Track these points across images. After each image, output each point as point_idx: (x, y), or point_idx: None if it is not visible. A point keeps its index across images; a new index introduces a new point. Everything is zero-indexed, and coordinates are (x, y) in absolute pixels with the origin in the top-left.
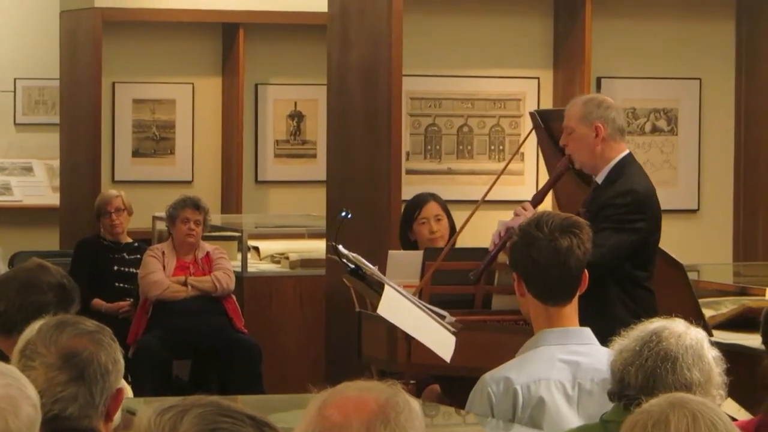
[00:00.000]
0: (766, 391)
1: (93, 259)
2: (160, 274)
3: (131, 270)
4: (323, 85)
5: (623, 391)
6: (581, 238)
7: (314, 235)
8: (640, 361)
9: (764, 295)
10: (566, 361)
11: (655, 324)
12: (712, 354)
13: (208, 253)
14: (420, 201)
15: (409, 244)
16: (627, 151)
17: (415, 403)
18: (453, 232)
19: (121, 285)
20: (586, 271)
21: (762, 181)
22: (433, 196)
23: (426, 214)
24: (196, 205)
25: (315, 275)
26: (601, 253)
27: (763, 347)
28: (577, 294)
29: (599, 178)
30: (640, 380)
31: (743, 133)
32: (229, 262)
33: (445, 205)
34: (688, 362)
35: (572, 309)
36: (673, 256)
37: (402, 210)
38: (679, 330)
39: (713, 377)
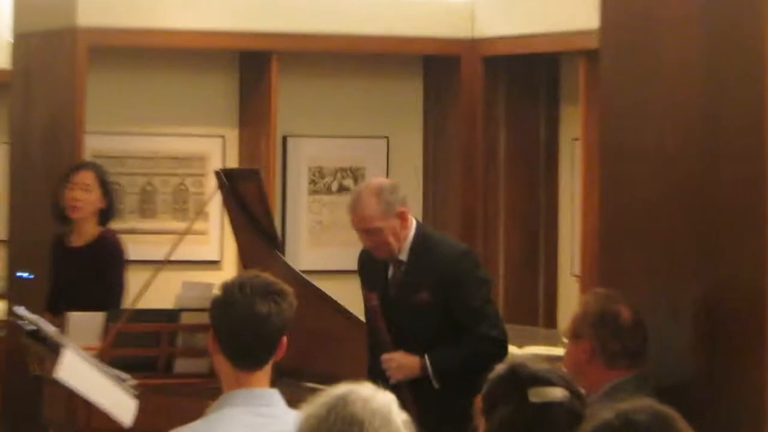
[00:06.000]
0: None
1: None
2: None
3: None
4: (5, 143)
5: None
6: (281, 307)
7: None
8: (327, 426)
9: None
10: (250, 424)
11: (342, 388)
12: (401, 418)
13: None
14: (77, 166)
15: (59, 210)
16: (414, 219)
17: None
18: (109, 211)
19: None
20: (284, 339)
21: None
22: (95, 166)
23: (75, 180)
24: None
25: None
26: (502, 330)
27: None
28: (271, 361)
29: (402, 255)
30: None
31: (432, 190)
32: None
33: (105, 180)
34: (375, 426)
35: (264, 374)
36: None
37: None
38: (365, 394)
39: None
